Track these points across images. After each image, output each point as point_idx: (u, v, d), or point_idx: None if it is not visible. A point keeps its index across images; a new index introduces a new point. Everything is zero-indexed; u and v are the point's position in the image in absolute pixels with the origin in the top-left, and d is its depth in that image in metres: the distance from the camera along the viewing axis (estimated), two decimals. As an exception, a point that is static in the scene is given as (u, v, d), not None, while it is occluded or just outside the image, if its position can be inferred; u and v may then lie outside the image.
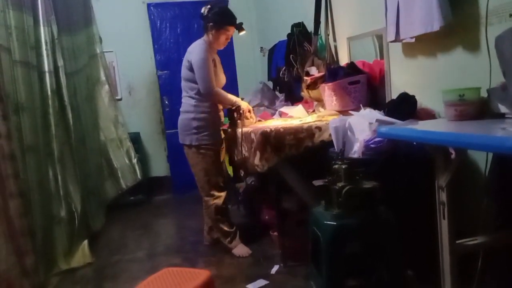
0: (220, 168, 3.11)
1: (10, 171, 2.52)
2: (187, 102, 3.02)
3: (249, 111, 3.07)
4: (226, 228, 3.08)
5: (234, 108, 2.98)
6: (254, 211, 3.77)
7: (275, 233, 2.92)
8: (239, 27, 3.04)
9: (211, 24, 2.92)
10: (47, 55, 3.33)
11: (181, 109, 3.07)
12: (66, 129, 3.51)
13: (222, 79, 3.11)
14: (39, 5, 3.32)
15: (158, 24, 5.34)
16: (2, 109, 2.49)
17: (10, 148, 2.53)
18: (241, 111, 2.95)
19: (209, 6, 2.96)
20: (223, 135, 3.15)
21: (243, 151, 2.88)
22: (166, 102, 5.31)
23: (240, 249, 3.06)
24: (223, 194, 3.07)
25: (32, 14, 3.22)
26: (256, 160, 2.49)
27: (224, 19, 2.94)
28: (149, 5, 5.30)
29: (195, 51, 2.92)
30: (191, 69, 2.92)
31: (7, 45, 2.76)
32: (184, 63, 3.00)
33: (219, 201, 3.05)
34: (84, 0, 4.53)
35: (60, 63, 3.48)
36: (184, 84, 3.04)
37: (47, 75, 3.30)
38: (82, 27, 4.39)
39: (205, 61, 2.85)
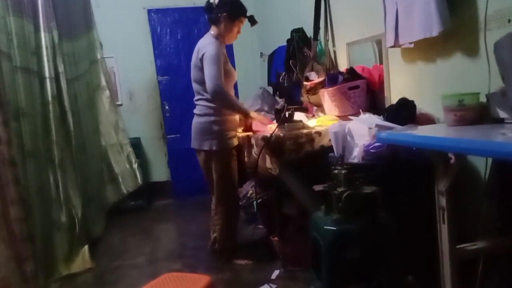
0: (237, 175, 2.95)
1: (10, 177, 2.52)
2: (205, 104, 2.84)
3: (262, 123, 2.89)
4: (233, 241, 3.01)
5: (280, 108, 2.75)
6: (254, 215, 3.76)
7: (276, 238, 2.92)
8: (253, 20, 2.92)
9: (224, 14, 2.77)
10: (48, 61, 3.34)
11: (197, 112, 2.92)
12: (67, 135, 3.52)
13: (235, 74, 2.96)
14: (39, 11, 3.33)
15: (159, 30, 5.36)
16: (2, 115, 2.50)
17: (10, 154, 2.54)
18: (289, 112, 2.69)
19: None
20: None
21: (244, 156, 2.88)
22: (167, 107, 5.32)
23: (243, 259, 3.00)
24: (239, 204, 2.94)
25: (33, 20, 3.24)
26: (268, 164, 2.49)
27: (239, 9, 2.82)
28: (149, 11, 5.32)
29: (207, 48, 2.74)
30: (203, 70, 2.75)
31: (7, 51, 2.77)
32: (196, 64, 2.83)
33: (235, 211, 2.95)
34: (85, 6, 4.55)
35: (61, 69, 3.48)
36: (197, 87, 2.88)
37: (47, 81, 3.31)
38: (82, 33, 4.40)
39: (217, 57, 2.68)
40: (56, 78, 3.42)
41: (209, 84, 2.68)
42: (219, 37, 2.84)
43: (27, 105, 2.97)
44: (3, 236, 2.45)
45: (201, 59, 2.75)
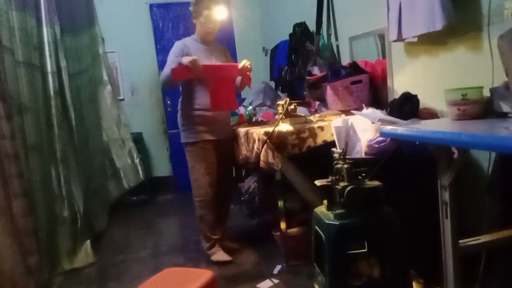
0: (209, 170, 2.94)
1: (14, 171, 2.52)
2: (179, 100, 3.05)
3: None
4: (207, 233, 3.01)
5: (283, 102, 2.72)
6: (256, 210, 3.77)
7: (278, 233, 2.92)
8: (216, 5, 2.88)
9: (193, 14, 2.96)
10: (50, 56, 3.33)
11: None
12: (69, 130, 3.52)
13: None
14: (42, 6, 3.32)
15: (161, 25, 5.35)
16: (5, 109, 2.50)
17: (13, 149, 2.54)
18: (292, 106, 2.66)
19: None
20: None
21: (243, 150, 2.88)
22: (169, 102, 5.32)
23: (220, 255, 2.97)
24: (208, 198, 2.94)
25: (35, 15, 3.23)
26: (270, 159, 2.49)
27: (198, 4, 2.89)
28: (151, 6, 5.31)
29: None
30: None
31: (10, 46, 2.77)
32: None
33: (204, 205, 2.96)
34: (87, 1, 4.54)
35: (63, 63, 3.48)
36: None
37: (50, 75, 3.31)
38: (85, 28, 4.40)
39: (170, 55, 2.92)
40: (58, 73, 3.42)
41: None
42: (197, 37, 3.03)
43: (30, 99, 2.97)
44: (7, 229, 2.45)
45: None
